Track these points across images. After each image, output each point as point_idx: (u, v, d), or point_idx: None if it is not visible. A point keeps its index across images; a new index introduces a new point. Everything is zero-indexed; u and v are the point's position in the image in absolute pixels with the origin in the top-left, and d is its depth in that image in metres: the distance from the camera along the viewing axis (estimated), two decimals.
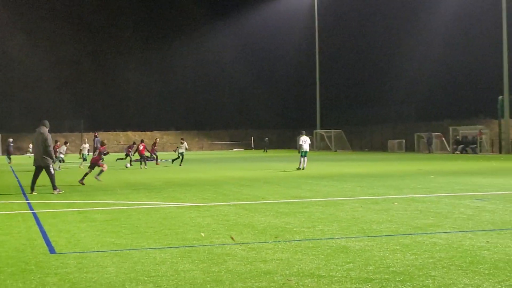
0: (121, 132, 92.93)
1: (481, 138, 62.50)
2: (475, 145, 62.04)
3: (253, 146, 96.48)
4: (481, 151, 61.18)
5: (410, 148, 70.67)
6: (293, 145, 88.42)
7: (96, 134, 49.85)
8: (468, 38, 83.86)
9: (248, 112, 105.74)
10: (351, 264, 8.81)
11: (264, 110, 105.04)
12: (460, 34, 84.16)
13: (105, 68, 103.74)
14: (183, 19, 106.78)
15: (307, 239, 11.02)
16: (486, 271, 8.26)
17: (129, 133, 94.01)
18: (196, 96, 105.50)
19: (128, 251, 10.13)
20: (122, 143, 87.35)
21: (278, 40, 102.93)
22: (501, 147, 61.66)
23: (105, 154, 27.41)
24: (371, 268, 8.57)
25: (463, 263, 8.79)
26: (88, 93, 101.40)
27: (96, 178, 26.26)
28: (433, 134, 67.86)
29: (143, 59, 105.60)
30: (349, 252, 9.74)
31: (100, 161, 26.48)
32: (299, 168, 33.81)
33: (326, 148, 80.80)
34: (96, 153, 27.05)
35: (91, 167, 26.46)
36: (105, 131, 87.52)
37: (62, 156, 39.52)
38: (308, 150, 34.57)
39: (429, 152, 65.21)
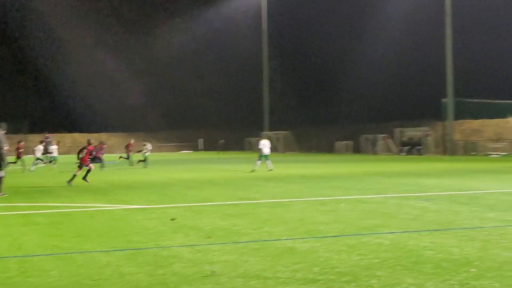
0: (67, 134, 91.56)
1: (426, 140, 63.54)
2: (421, 147, 63.01)
3: (202, 148, 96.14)
4: (426, 152, 62.16)
5: (357, 149, 71.31)
6: (241, 146, 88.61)
7: (48, 135, 48.86)
8: (413, 42, 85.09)
9: (196, 113, 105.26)
10: (297, 265, 8.81)
11: (212, 112, 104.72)
12: (406, 38, 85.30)
13: (48, 68, 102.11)
14: (128, 19, 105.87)
15: (253, 241, 10.99)
16: (430, 271, 8.34)
17: (76, 134, 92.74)
18: (143, 97, 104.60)
19: (72, 255, 9.96)
20: (68, 144, 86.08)
21: (225, 40, 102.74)
22: (445, 148, 62.75)
23: (91, 155, 26.82)
24: (317, 269, 8.58)
25: (408, 263, 8.87)
26: (31, 93, 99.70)
27: (84, 179, 25.90)
28: (379, 135, 68.71)
29: (87, 58, 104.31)
30: (296, 253, 9.75)
31: (85, 163, 25.87)
32: (253, 170, 33.67)
33: (274, 149, 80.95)
34: (85, 152, 26.17)
35: (80, 167, 25.95)
36: (50, 132, 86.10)
37: (39, 155, 39.17)
38: (268, 153, 34.64)
39: (373, 153, 66.04)
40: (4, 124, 21.22)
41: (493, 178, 26.24)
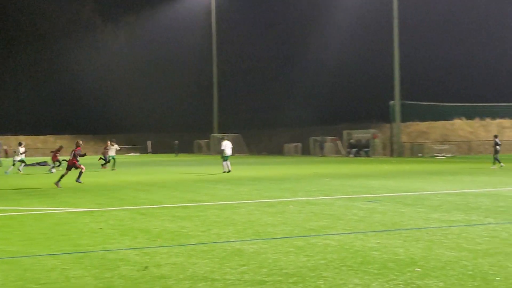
0: (12, 136, 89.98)
1: (374, 142, 64.29)
2: (368, 149, 63.72)
3: (150, 150, 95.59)
4: (374, 154, 62.87)
5: (306, 151, 71.78)
6: (191, 149, 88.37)
7: None
8: (361, 45, 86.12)
9: (145, 116, 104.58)
10: (245, 267, 8.85)
11: (161, 114, 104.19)
12: (354, 42, 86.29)
13: None
14: (72, 21, 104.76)
15: (202, 243, 11.00)
16: (376, 271, 8.47)
17: (21, 137, 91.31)
18: (91, 99, 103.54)
19: (18, 259, 9.84)
20: (13, 147, 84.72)
21: (175, 44, 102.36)
22: (392, 150, 63.59)
23: (81, 156, 26.56)
24: (264, 270, 8.64)
25: (354, 263, 8.99)
26: None
27: (77, 181, 26.26)
28: (328, 138, 69.37)
29: (32, 60, 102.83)
30: (244, 255, 9.79)
31: (77, 163, 26.09)
32: (225, 172, 33.70)
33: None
34: (72, 155, 26.21)
35: (68, 169, 25.93)
36: None
37: (18, 158, 38.27)
38: (230, 154, 34.68)
39: (321, 155, 66.63)
40: None
41: (439, 180, 26.71)
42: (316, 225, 13.02)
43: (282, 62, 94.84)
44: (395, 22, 61.89)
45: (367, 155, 62.81)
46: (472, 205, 16.26)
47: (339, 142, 68.78)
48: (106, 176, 33.24)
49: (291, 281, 8.03)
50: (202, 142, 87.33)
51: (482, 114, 74.56)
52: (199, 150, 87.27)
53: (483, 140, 70.20)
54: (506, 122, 75.37)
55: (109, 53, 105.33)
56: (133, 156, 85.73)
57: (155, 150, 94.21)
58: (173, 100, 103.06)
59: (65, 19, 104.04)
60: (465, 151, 67.11)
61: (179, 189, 23.60)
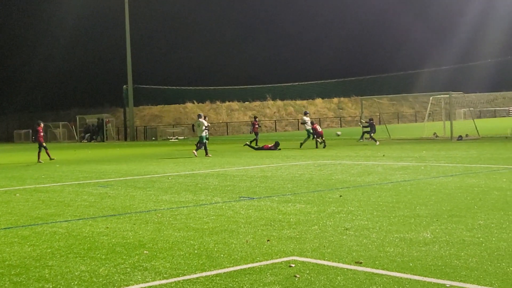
0: None
1: (107, 126, 63.93)
2: (102, 133, 63.23)
3: None
4: (107, 139, 62.51)
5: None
6: None
7: None
8: (94, 29, 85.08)
9: None
10: None
11: None
12: (87, 25, 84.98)
13: None
14: None
15: None
16: (103, 256, 8.37)
17: None
18: None
19: None
20: None
21: None
22: (126, 135, 63.67)
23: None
24: None
25: (82, 250, 8.82)
26: None
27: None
28: (60, 123, 67.83)
29: None
30: None
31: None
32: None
33: None
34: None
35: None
36: None
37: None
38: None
39: (55, 141, 65.00)
40: None
41: (170, 162, 27.20)
42: (44, 213, 12.62)
43: (9, 47, 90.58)
44: (126, 7, 61.77)
45: (101, 139, 62.29)
46: (201, 186, 16.74)
47: (72, 127, 67.37)
48: None
49: (14, 272, 7.68)
50: None
51: (213, 97, 77.43)
52: None
53: (214, 122, 72.91)
54: (234, 104, 78.96)
55: None
56: None
57: None
58: None
59: None
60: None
61: None
